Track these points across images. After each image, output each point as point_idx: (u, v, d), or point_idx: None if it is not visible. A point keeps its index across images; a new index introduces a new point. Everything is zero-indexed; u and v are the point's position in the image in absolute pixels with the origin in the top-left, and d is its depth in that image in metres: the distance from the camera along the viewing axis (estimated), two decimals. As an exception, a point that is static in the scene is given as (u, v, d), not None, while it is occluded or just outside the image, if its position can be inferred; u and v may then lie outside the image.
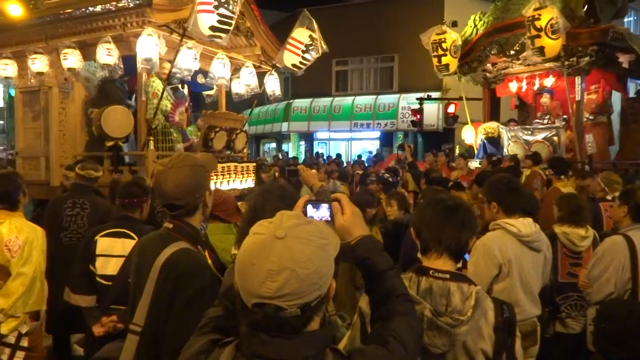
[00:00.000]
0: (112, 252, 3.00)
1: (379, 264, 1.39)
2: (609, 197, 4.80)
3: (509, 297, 2.69)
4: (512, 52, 8.97)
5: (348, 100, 19.51)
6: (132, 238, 2.99)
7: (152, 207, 3.79)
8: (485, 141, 10.12)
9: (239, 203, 3.14)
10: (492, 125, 10.13)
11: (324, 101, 19.82)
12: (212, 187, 5.61)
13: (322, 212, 1.44)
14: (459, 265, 1.80)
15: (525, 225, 2.79)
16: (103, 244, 3.02)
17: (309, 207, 1.43)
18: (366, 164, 14.03)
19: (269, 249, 1.01)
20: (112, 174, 5.47)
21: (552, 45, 7.76)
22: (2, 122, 25.62)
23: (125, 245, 2.99)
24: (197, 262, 1.78)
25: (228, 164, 6.04)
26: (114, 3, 5.25)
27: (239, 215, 2.95)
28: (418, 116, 13.99)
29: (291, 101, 20.38)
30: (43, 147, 5.96)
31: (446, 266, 1.73)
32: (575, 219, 3.35)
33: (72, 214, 3.95)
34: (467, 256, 2.84)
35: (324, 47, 6.36)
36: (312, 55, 6.31)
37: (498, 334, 1.68)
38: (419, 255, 1.81)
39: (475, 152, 10.60)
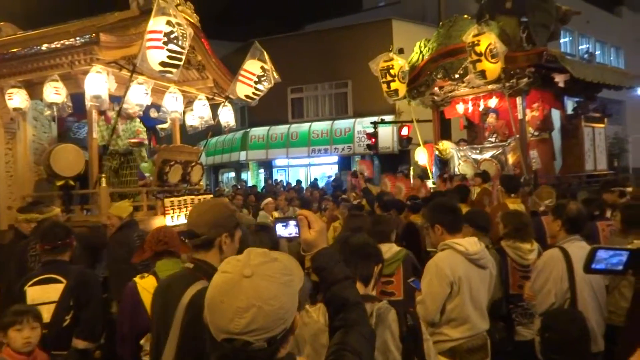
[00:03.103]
0: (43, 300, 2.99)
1: (335, 274, 1.47)
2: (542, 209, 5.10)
3: (461, 314, 2.81)
4: (457, 76, 9.36)
5: (305, 126, 19.73)
6: (61, 282, 3.03)
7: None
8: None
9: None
10: (443, 146, 10.47)
11: (281, 128, 19.96)
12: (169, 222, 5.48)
13: (290, 229, 1.56)
14: (372, 290, 2.04)
15: (471, 244, 2.93)
16: (33, 293, 3.01)
17: (279, 226, 1.55)
18: (326, 191, 14.16)
19: (237, 287, 1.06)
20: (63, 213, 5.32)
21: (493, 68, 8.20)
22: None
23: (54, 291, 3.01)
24: None
25: (185, 197, 6.00)
26: (61, 42, 5.21)
27: (184, 247, 2.98)
28: (373, 140, 14.29)
29: (248, 130, 20.41)
30: (-11, 189, 5.75)
31: None
32: (519, 236, 3.54)
33: (35, 254, 3.82)
34: (417, 284, 2.96)
35: (276, 77, 6.48)
36: (264, 86, 6.42)
37: (404, 342, 1.82)
38: None
39: (430, 172, 10.92)
